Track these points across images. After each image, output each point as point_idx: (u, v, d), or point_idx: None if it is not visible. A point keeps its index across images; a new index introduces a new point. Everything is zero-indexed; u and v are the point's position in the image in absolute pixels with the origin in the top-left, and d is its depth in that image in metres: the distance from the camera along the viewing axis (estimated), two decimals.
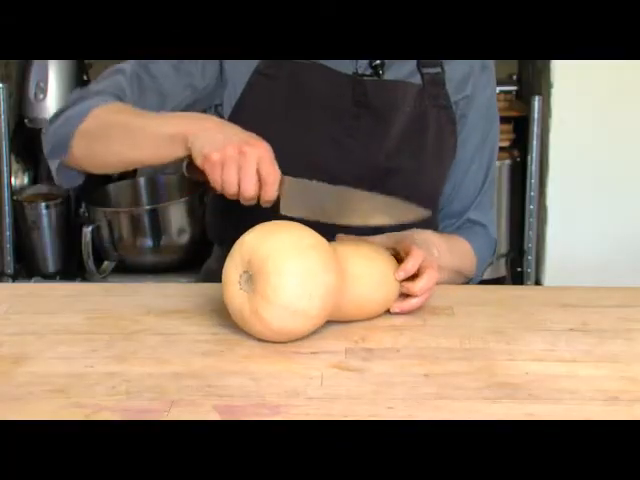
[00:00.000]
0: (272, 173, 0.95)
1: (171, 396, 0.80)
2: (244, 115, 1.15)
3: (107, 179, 2.08)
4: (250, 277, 0.89)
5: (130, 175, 2.13)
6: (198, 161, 0.97)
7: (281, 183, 0.96)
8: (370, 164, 1.15)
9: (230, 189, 0.96)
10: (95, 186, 2.00)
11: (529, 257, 2.03)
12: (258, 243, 0.90)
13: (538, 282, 2.05)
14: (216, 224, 1.26)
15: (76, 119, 1.08)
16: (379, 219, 0.98)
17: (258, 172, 0.95)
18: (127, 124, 1.05)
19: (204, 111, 1.17)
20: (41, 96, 2.04)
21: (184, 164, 1.03)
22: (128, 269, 1.90)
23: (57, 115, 1.12)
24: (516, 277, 2.08)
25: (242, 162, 0.95)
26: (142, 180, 2.05)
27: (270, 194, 0.95)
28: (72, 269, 2.02)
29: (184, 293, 1.09)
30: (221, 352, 0.89)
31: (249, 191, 0.95)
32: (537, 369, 0.86)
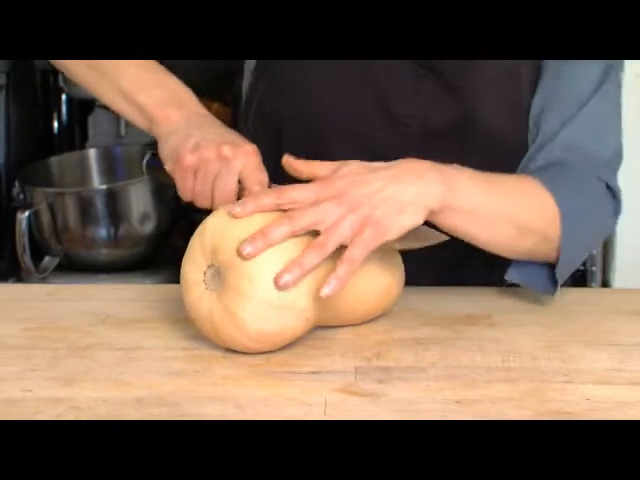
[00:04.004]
0: (258, 183, 0.99)
1: None
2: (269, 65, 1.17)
3: (48, 151, 2.09)
4: (217, 271, 0.91)
5: (78, 145, 2.14)
6: (167, 165, 1.02)
7: None
8: (429, 138, 1.14)
9: (203, 202, 1.01)
10: (32, 159, 2.01)
11: (594, 252, 2.03)
12: (223, 226, 0.92)
13: (605, 284, 2.06)
14: None
15: None
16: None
17: (240, 181, 0.99)
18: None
19: None
20: None
21: (145, 158, 1.07)
22: (76, 267, 1.91)
23: None
24: (577, 277, 2.09)
25: (221, 169, 0.99)
26: (93, 152, 2.06)
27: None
28: (3, 266, 2.04)
29: (148, 297, 1.11)
30: (195, 372, 0.91)
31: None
32: (601, 394, 0.87)
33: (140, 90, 1.06)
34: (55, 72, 2.12)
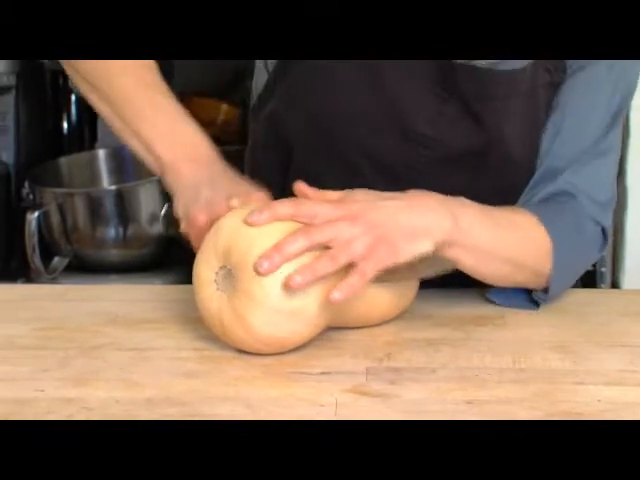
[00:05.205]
0: None
1: None
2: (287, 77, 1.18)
3: (58, 151, 2.09)
4: (229, 272, 0.92)
5: (87, 146, 2.14)
6: (182, 224, 1.04)
7: None
8: (445, 160, 1.15)
9: None
10: (42, 160, 2.01)
11: (604, 253, 2.03)
12: (237, 228, 0.92)
13: (615, 284, 2.05)
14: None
15: None
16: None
17: None
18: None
19: None
20: None
21: (162, 213, 1.09)
22: (85, 267, 1.91)
23: None
24: (587, 278, 2.08)
25: None
26: (102, 153, 2.06)
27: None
28: (12, 267, 2.04)
29: (158, 298, 1.11)
30: (207, 372, 0.91)
31: None
32: (612, 395, 0.87)
33: (155, 140, 1.09)
34: (65, 73, 2.12)
